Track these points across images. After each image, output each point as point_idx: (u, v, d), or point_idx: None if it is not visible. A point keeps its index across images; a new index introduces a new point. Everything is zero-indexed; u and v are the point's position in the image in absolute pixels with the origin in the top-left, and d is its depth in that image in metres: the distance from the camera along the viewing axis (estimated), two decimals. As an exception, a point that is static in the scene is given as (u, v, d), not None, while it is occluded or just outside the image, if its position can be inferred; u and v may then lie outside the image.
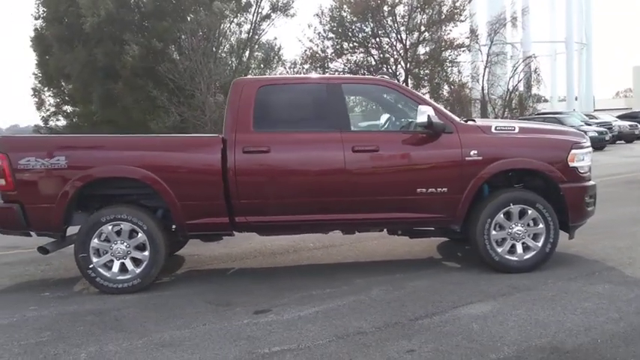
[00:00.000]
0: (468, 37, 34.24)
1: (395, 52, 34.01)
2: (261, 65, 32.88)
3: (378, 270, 5.95)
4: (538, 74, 36.11)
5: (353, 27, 33.83)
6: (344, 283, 5.48)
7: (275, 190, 5.49)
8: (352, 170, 5.48)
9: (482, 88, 35.47)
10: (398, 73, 34.16)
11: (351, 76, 7.22)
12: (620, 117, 31.98)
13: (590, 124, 25.49)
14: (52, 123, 36.68)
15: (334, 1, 34.24)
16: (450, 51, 34.14)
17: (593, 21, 52.61)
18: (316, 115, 5.76)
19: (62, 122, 36.83)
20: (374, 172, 5.56)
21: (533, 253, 5.60)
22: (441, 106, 5.92)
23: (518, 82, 35.78)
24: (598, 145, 23.11)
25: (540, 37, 50.67)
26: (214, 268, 6.48)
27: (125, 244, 5.40)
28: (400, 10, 33.32)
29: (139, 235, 5.40)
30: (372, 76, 7.15)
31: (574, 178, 5.64)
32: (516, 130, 5.74)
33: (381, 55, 33.78)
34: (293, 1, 32.26)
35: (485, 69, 35.04)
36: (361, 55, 34.48)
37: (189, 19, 29.59)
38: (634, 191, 11.20)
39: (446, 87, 35.22)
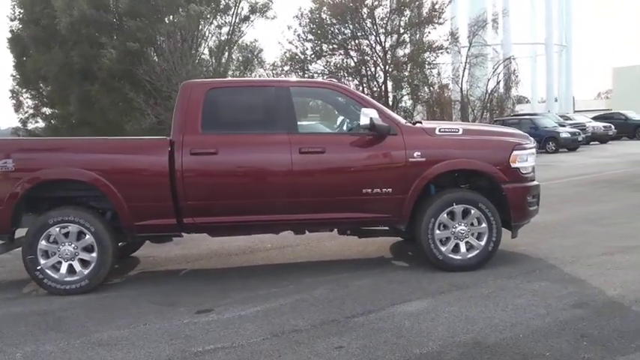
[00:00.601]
0: (446, 40, 34.54)
1: (374, 54, 34.22)
2: (241, 67, 32.89)
3: (327, 269, 6.05)
4: (517, 76, 36.60)
5: (332, 29, 33.98)
6: (291, 283, 5.57)
7: (222, 192, 5.57)
8: (299, 171, 5.58)
9: (462, 89, 35.82)
10: (377, 75, 34.43)
11: (300, 79, 7.35)
12: (596, 118, 32.43)
13: (564, 125, 25.85)
14: (30, 125, 36.53)
15: (313, 2, 34.41)
16: (428, 53, 34.40)
17: (573, 23, 53.22)
18: (264, 118, 5.85)
19: (41, 124, 36.68)
20: (320, 173, 5.66)
21: (476, 252, 5.73)
22: (386, 109, 6.02)
23: (497, 83, 36.20)
24: (571, 145, 23.51)
25: (521, 39, 51.19)
26: (167, 270, 6.54)
27: (73, 245, 5.44)
28: (379, 12, 33.56)
29: (87, 236, 5.45)
30: (320, 80, 7.26)
31: (516, 178, 5.79)
32: (460, 132, 5.87)
33: (360, 57, 33.96)
34: (272, 3, 32.33)
35: (464, 71, 35.38)
36: (340, 57, 34.65)
37: (167, 20, 29.57)
38: (597, 191, 11.41)
39: (425, 89, 35.51)
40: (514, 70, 36.04)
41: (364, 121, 5.42)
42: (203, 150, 5.50)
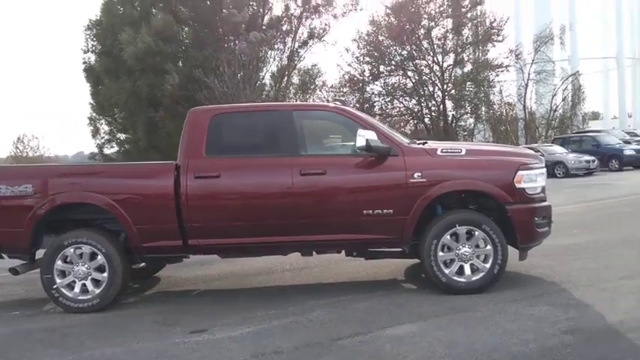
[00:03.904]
0: (507, 57, 33.92)
1: (432, 74, 34.01)
2: (299, 91, 33.51)
3: (333, 291, 6.04)
4: (582, 92, 35.36)
5: (389, 50, 34.08)
6: (292, 305, 5.60)
7: (225, 214, 5.73)
8: (300, 193, 5.66)
9: (525, 107, 34.95)
10: (435, 95, 34.15)
11: (302, 103, 7.43)
12: (669, 135, 30.67)
13: (629, 143, 24.63)
14: (106, 150, 38.47)
15: (371, 25, 34.71)
16: (488, 71, 33.84)
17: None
18: (267, 141, 5.99)
19: (116, 149, 38.60)
20: (321, 194, 5.71)
21: (481, 274, 5.58)
22: (388, 130, 6.02)
23: (562, 100, 35.10)
24: (636, 163, 22.36)
25: (591, 54, 49.44)
26: (182, 290, 6.73)
27: (86, 265, 5.72)
28: (436, 32, 33.41)
29: (99, 257, 5.71)
30: (322, 103, 7.33)
31: (522, 199, 5.61)
32: (463, 152, 5.78)
33: (418, 77, 33.81)
34: (329, 28, 32.81)
35: (526, 88, 34.55)
36: (398, 77, 34.64)
37: (227, 46, 30.56)
38: (646, 211, 10.84)
39: (486, 107, 34.90)
40: (579, 87, 34.86)
41: (360, 142, 5.45)
42: (206, 173, 5.68)
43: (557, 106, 34.85)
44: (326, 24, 32.80)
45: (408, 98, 34.62)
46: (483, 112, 34.55)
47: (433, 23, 32.95)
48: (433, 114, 34.30)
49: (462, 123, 35.25)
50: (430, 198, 5.60)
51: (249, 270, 7.43)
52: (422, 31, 32.81)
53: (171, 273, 7.43)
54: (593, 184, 17.81)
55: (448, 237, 5.59)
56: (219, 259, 7.59)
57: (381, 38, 34.11)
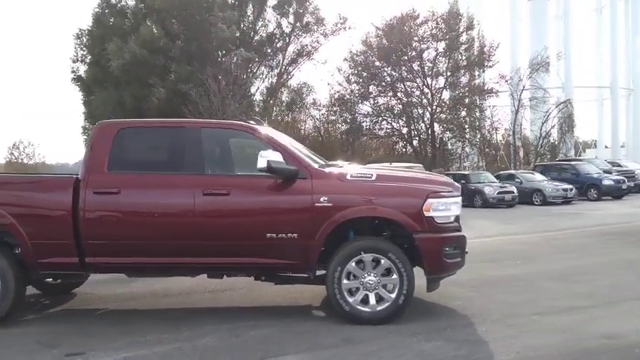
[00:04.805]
0: (497, 82, 33.90)
1: (423, 96, 33.96)
2: (287, 109, 33.48)
3: (239, 316, 5.80)
4: (573, 120, 35.27)
5: (379, 71, 34.05)
6: (189, 329, 5.37)
7: (123, 232, 5.50)
8: (201, 213, 5.45)
9: (514, 132, 34.86)
10: (425, 117, 34.06)
11: (212, 120, 7.23)
12: (654, 166, 30.38)
13: (609, 172, 24.37)
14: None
15: (363, 45, 34.75)
16: (477, 96, 33.81)
17: (640, 66, 50.86)
18: (172, 158, 5.81)
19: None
20: (223, 215, 5.51)
21: (386, 304, 5.36)
22: (300, 152, 5.81)
23: (552, 127, 34.98)
24: (615, 193, 22.14)
25: (586, 82, 49.42)
26: (92, 308, 6.48)
27: (-23, 280, 5.50)
28: (427, 54, 33.43)
29: (-11, 271, 5.49)
30: (232, 121, 7.12)
31: (430, 228, 5.39)
32: (373, 178, 5.58)
33: (407, 99, 33.74)
34: (318, 46, 32.88)
35: (516, 114, 34.47)
36: (387, 98, 34.62)
37: (218, 60, 30.54)
38: (602, 243, 10.64)
39: (474, 132, 34.80)
40: (570, 115, 34.75)
41: (261, 164, 5.25)
42: (105, 189, 5.49)
43: (547, 133, 34.71)
44: (316, 41, 32.91)
45: (396, 119, 34.54)
46: (477, 138, 34.42)
47: (424, 45, 32.95)
48: (422, 136, 34.20)
49: (450, 147, 35.16)
50: (336, 223, 5.39)
51: (170, 289, 7.19)
52: (412, 52, 32.79)
53: (91, 289, 7.19)
54: (566, 213, 17.54)
55: (353, 264, 5.37)
56: (146, 279, 7.39)
57: (372, 58, 34.10)
